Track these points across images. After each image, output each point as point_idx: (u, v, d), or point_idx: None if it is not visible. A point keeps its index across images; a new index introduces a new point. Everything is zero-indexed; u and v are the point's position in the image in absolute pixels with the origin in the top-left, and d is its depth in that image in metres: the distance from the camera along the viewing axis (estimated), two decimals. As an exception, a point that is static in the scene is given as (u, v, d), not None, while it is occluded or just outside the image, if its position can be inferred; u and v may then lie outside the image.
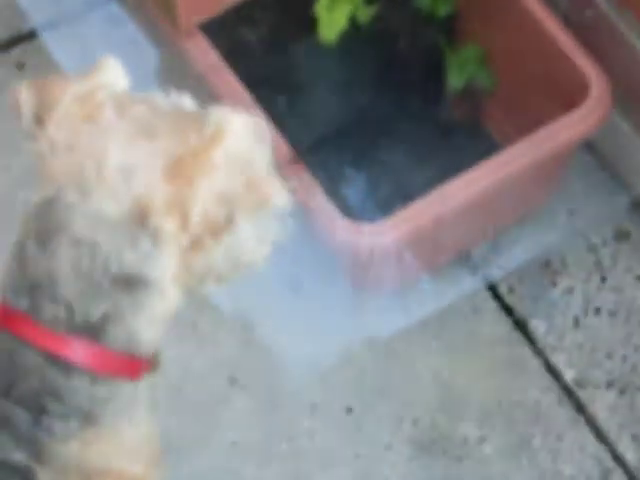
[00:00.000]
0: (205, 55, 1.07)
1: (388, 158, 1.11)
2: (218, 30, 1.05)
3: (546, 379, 1.06)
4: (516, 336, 1.10)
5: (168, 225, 0.73)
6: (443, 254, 1.11)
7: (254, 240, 0.77)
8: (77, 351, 0.77)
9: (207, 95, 1.12)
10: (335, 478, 1.04)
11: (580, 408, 1.03)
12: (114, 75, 0.76)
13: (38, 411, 0.81)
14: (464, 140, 1.17)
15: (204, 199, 0.72)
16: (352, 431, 1.05)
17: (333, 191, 1.01)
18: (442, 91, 1.11)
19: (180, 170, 0.73)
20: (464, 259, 1.13)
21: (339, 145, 1.09)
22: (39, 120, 0.76)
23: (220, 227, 0.73)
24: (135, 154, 0.74)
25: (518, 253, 1.13)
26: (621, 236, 1.10)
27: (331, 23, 0.97)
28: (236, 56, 1.05)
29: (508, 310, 1.12)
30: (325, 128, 1.09)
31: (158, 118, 0.75)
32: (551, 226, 1.15)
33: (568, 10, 1.04)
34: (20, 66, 1.23)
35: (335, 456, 1.04)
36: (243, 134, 0.75)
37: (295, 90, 1.10)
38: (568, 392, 1.04)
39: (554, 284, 1.09)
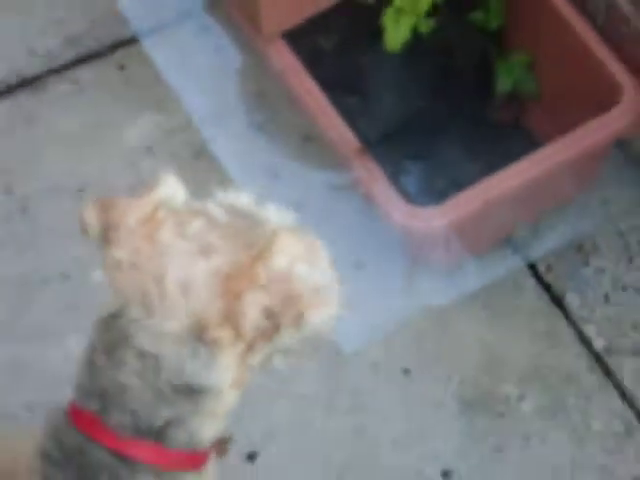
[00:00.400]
0: (285, 59, 1.18)
1: (443, 153, 1.22)
2: (297, 37, 1.16)
3: (578, 347, 1.18)
4: (552, 309, 1.22)
5: (224, 336, 0.77)
6: (489, 237, 1.22)
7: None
8: (141, 452, 0.83)
9: (285, 95, 1.25)
10: (392, 431, 1.15)
11: (608, 373, 1.15)
12: (173, 190, 0.81)
13: None
14: (510, 138, 1.26)
15: (251, 312, 0.75)
16: (408, 390, 1.18)
17: (395, 180, 1.12)
18: (491, 95, 1.20)
19: (230, 286, 0.77)
20: (508, 241, 1.22)
21: (401, 141, 1.20)
22: (105, 239, 0.81)
23: (269, 333, 0.77)
24: (192, 272, 0.78)
25: (555, 236, 1.24)
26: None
27: (396, 33, 1.08)
28: (312, 61, 1.16)
29: (546, 286, 1.23)
30: (389, 125, 1.20)
31: (214, 234, 0.78)
32: (585, 213, 1.25)
33: (605, 24, 1.15)
34: (121, 67, 1.37)
35: (393, 412, 1.17)
36: (290, 254, 0.78)
37: (363, 92, 1.20)
38: (598, 359, 1.16)
39: (587, 264, 1.21)
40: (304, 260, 0.79)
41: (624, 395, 1.13)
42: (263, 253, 0.75)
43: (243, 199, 0.81)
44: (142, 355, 0.80)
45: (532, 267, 1.27)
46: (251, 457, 1.17)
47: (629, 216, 1.24)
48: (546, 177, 1.17)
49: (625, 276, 1.22)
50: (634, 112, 1.18)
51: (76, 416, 0.85)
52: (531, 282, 1.27)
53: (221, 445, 0.89)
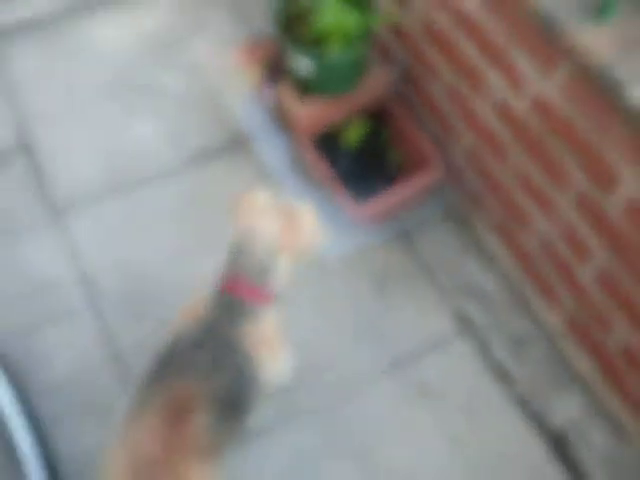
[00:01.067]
0: (308, 147, 2.48)
1: (368, 184, 2.48)
2: (320, 142, 2.51)
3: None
4: (419, 270, 2.67)
5: (285, 250, 1.77)
6: (383, 218, 2.51)
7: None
8: (251, 295, 1.74)
9: (312, 171, 2.53)
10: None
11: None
12: (263, 193, 1.78)
13: (237, 316, 1.76)
14: (392, 181, 2.50)
15: (299, 241, 1.75)
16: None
17: (349, 193, 2.37)
18: (387, 166, 2.58)
19: (290, 230, 1.75)
20: (390, 220, 2.54)
21: (351, 179, 2.48)
22: (236, 210, 1.78)
23: (299, 251, 1.77)
24: (272, 225, 1.75)
25: (403, 223, 2.53)
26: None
27: (349, 142, 2.57)
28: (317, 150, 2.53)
29: (412, 250, 2.67)
30: (348, 174, 2.47)
31: (280, 209, 1.75)
32: (416, 214, 2.67)
33: (431, 131, 2.62)
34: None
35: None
36: (310, 215, 1.78)
37: (337, 162, 2.48)
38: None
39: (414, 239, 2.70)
40: (315, 220, 1.79)
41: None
42: (299, 219, 1.76)
43: (293, 200, 1.81)
44: (251, 257, 1.75)
45: (401, 233, 2.52)
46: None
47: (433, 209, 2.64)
48: (403, 196, 2.43)
49: (439, 234, 2.64)
50: (438, 173, 2.44)
51: (224, 282, 1.77)
52: (400, 243, 2.53)
53: (277, 296, 1.82)
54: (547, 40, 1.85)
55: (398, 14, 2.38)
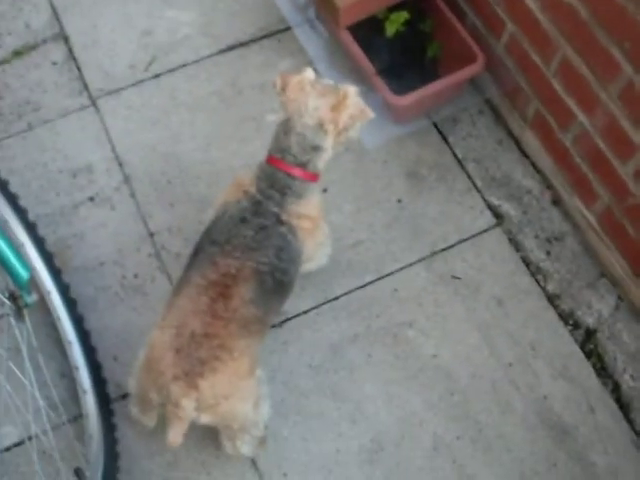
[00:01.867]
0: (346, 37, 2.44)
1: (406, 77, 2.47)
2: (352, 29, 2.43)
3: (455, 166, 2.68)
4: (447, 153, 2.61)
5: (330, 128, 1.77)
6: (421, 112, 2.54)
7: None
8: (297, 172, 1.79)
9: (350, 61, 2.52)
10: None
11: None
12: (310, 73, 1.81)
13: (283, 193, 1.81)
14: (432, 74, 2.49)
15: (343, 118, 1.77)
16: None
17: (388, 85, 2.35)
18: (425, 56, 2.58)
19: (335, 108, 1.77)
20: (427, 114, 2.55)
21: (390, 72, 2.44)
22: (283, 89, 1.80)
23: (347, 128, 1.79)
24: (319, 102, 1.77)
25: (445, 112, 2.54)
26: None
27: (390, 30, 2.47)
28: (356, 39, 2.44)
29: (444, 139, 2.58)
30: (386, 65, 2.45)
31: (326, 89, 1.79)
32: (456, 103, 2.55)
33: (471, 25, 2.61)
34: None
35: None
36: (354, 95, 1.79)
37: (377, 51, 2.43)
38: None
39: (459, 127, 2.68)
40: (358, 101, 1.80)
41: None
42: (346, 95, 1.77)
43: (333, 80, 1.87)
44: (298, 134, 1.77)
45: (436, 126, 2.53)
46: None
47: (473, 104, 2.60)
48: (444, 89, 2.41)
49: (475, 128, 2.54)
50: (481, 67, 2.40)
51: (271, 160, 1.83)
52: (436, 137, 2.54)
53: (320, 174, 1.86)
54: None
55: None
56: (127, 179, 2.47)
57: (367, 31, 2.48)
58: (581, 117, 2.19)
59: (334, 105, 1.78)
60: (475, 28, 2.49)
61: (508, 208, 2.42)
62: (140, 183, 2.46)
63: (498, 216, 2.41)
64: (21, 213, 2.12)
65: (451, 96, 2.53)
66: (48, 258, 2.14)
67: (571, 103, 2.21)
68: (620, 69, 1.96)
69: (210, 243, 1.81)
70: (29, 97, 2.61)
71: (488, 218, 2.41)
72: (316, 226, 1.91)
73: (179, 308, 1.74)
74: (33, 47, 2.70)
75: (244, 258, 1.76)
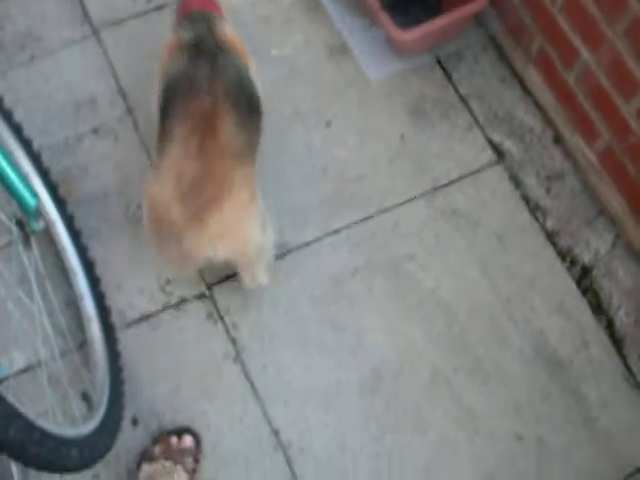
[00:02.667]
0: None
1: (411, 13, 2.49)
2: None
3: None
4: (445, 85, 2.56)
5: None
6: (426, 46, 2.55)
7: None
8: (210, 7, 2.00)
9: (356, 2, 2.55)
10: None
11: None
12: None
13: (206, 25, 1.92)
14: (437, 11, 2.47)
15: None
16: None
17: (392, 19, 2.33)
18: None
19: None
20: (432, 49, 2.56)
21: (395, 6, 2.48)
22: None
23: None
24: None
25: (450, 48, 2.53)
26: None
27: None
28: None
29: (447, 74, 2.60)
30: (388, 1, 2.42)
31: None
32: (461, 40, 2.57)
33: None
34: None
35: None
36: None
37: None
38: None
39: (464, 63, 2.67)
40: None
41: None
42: None
43: None
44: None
45: (439, 63, 2.51)
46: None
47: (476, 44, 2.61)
48: (448, 24, 2.40)
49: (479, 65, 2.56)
50: (485, 2, 2.38)
51: (181, 10, 1.97)
52: (440, 73, 2.54)
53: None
54: None
55: None
56: (130, 110, 2.47)
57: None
58: (585, 55, 2.19)
59: None
60: (481, -37, 2.45)
61: (510, 145, 2.44)
62: (143, 114, 2.45)
63: (499, 153, 2.43)
64: (25, 143, 2.12)
65: (455, 32, 2.53)
66: (53, 188, 2.16)
67: (576, 40, 2.21)
68: (627, 5, 1.96)
69: (179, 96, 1.84)
70: (31, 28, 2.60)
71: (489, 155, 2.43)
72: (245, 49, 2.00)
73: (171, 160, 1.78)
74: (34, -22, 2.65)
75: (212, 91, 1.80)
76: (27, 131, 2.15)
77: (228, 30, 1.94)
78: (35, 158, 2.16)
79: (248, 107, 1.87)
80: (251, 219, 1.84)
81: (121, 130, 2.44)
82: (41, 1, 2.64)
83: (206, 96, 1.78)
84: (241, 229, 1.82)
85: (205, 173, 1.74)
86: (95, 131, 2.46)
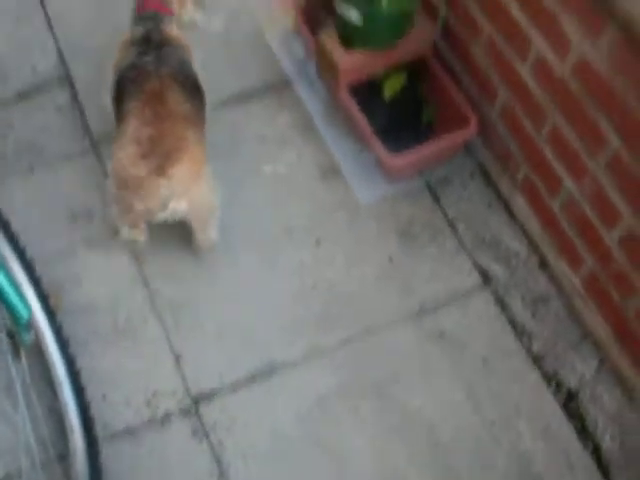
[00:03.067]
0: (345, 97, 2.53)
1: (402, 138, 2.52)
2: (352, 91, 2.54)
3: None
4: (435, 209, 2.66)
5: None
6: (414, 171, 2.61)
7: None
8: (160, 9, 2.30)
9: (348, 120, 2.61)
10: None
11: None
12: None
13: (155, 22, 2.33)
14: (425, 135, 2.52)
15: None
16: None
17: (384, 144, 2.39)
18: (421, 120, 2.66)
19: None
20: (420, 174, 2.60)
21: (387, 133, 2.51)
22: None
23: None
24: None
25: (439, 173, 2.61)
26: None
27: (387, 93, 2.60)
28: (355, 98, 2.53)
29: (436, 199, 2.60)
30: (383, 125, 2.48)
31: None
32: (450, 166, 2.63)
33: (467, 87, 2.70)
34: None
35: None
36: None
37: (375, 113, 2.46)
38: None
39: (456, 185, 2.74)
40: None
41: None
42: None
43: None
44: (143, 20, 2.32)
45: (428, 187, 2.57)
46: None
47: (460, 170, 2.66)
48: (438, 151, 2.48)
49: (466, 191, 2.63)
50: (474, 131, 2.45)
51: (138, 10, 2.32)
52: (428, 197, 2.58)
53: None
54: (595, 4, 1.88)
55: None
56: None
57: (366, 93, 2.56)
58: (569, 184, 2.26)
59: None
60: (470, 93, 2.57)
61: (496, 269, 2.48)
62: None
63: (486, 277, 2.46)
64: (20, 253, 2.15)
65: (444, 158, 2.60)
66: (43, 298, 2.18)
67: (560, 170, 2.28)
68: (608, 140, 2.04)
69: (130, 81, 2.18)
70: (32, 139, 2.67)
71: (476, 279, 2.46)
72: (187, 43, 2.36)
73: (131, 127, 2.10)
74: (38, 90, 2.77)
75: (159, 74, 2.16)
76: (22, 240, 2.22)
77: (173, 28, 2.30)
78: (28, 267, 2.20)
79: (190, 85, 2.23)
80: (205, 175, 2.15)
81: (115, 243, 2.46)
82: (44, 112, 2.72)
83: (154, 77, 2.14)
84: (198, 181, 2.11)
85: (161, 133, 2.05)
86: (89, 243, 2.48)
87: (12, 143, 2.66)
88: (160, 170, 2.02)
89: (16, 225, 2.33)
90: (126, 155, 2.06)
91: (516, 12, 2.22)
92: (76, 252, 2.46)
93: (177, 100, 2.13)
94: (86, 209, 2.54)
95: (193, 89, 2.24)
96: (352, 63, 2.39)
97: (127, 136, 2.08)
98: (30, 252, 2.23)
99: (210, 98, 2.61)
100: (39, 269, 2.27)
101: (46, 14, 2.95)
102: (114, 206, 2.22)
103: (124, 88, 2.18)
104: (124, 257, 2.46)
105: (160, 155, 2.03)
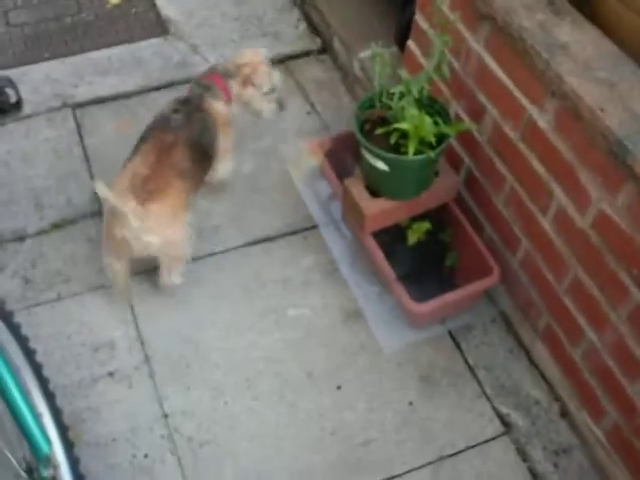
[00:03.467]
0: (370, 242, 2.57)
1: (425, 285, 2.60)
2: (375, 235, 2.58)
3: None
4: (457, 358, 2.69)
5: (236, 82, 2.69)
6: (436, 318, 2.64)
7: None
8: (216, 79, 2.71)
9: (372, 264, 2.67)
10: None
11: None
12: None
13: (205, 90, 2.69)
14: (450, 284, 2.65)
15: (245, 71, 2.68)
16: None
17: (406, 287, 2.50)
18: (444, 264, 2.74)
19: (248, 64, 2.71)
20: (443, 320, 2.64)
21: (409, 278, 2.58)
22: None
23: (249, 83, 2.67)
24: (244, 58, 2.73)
25: (453, 322, 2.63)
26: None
27: (411, 240, 2.66)
28: (379, 245, 2.58)
29: (457, 346, 2.62)
30: (407, 271, 2.57)
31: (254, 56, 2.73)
32: (472, 314, 2.64)
33: (487, 239, 2.76)
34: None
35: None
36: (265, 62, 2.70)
37: (397, 258, 2.55)
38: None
39: (473, 334, 2.74)
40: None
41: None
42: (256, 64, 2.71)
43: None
44: (227, 65, 2.78)
45: (450, 333, 2.61)
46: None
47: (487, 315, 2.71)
48: (461, 299, 2.52)
49: (487, 337, 2.72)
50: (497, 280, 2.52)
51: (202, 75, 2.74)
52: (449, 343, 2.62)
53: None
54: (615, 162, 1.95)
55: (471, 123, 2.50)
56: (147, 359, 2.53)
57: (390, 237, 2.62)
58: (591, 334, 2.27)
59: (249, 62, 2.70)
60: (492, 241, 2.62)
61: (516, 417, 2.46)
62: (159, 364, 2.52)
63: (506, 425, 2.45)
64: (43, 383, 2.16)
65: (467, 305, 2.64)
66: (63, 430, 2.16)
67: (581, 320, 2.30)
68: (629, 292, 2.07)
69: (153, 128, 2.53)
70: (61, 269, 2.74)
71: (496, 426, 2.44)
72: (225, 123, 2.69)
73: (133, 164, 2.42)
74: (72, 222, 2.88)
75: (178, 132, 2.50)
76: (45, 370, 2.20)
77: (219, 103, 2.64)
78: (50, 398, 2.18)
79: (200, 151, 2.56)
80: (182, 220, 2.45)
81: (136, 377, 2.49)
82: (74, 244, 2.82)
83: (173, 132, 2.48)
84: (174, 223, 2.41)
85: (154, 176, 2.36)
86: (111, 375, 2.50)
87: (42, 271, 2.73)
88: (142, 203, 2.30)
89: (40, 353, 2.33)
90: (119, 186, 2.35)
91: (537, 165, 2.29)
92: (97, 383, 2.48)
93: (181, 157, 2.45)
94: (109, 340, 2.58)
95: (202, 156, 2.57)
96: (378, 211, 2.45)
97: (126, 170, 2.41)
98: (53, 381, 2.22)
99: (236, 239, 2.70)
100: (60, 399, 2.25)
101: (84, 148, 3.09)
102: (103, 238, 2.47)
103: (147, 131, 2.52)
104: (146, 391, 2.47)
105: (146, 192, 2.32)
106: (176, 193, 2.40)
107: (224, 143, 2.69)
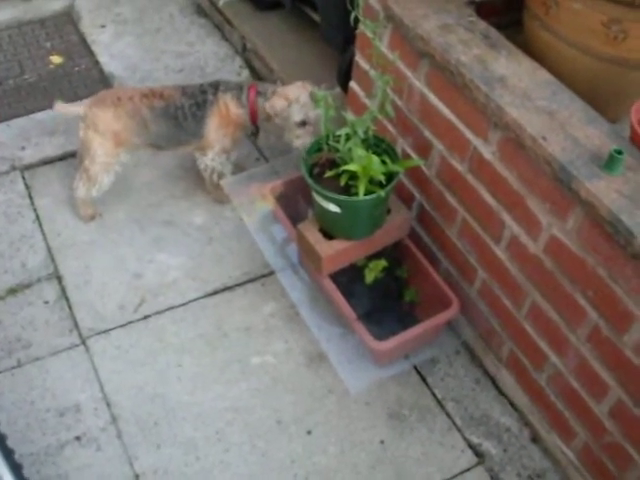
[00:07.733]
0: (328, 283, 2.59)
1: (385, 322, 2.64)
2: (333, 276, 2.60)
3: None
4: (424, 393, 2.66)
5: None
6: (399, 354, 2.65)
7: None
8: (251, 93, 2.91)
9: (331, 305, 2.73)
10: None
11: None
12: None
13: (220, 85, 2.88)
14: (410, 318, 2.70)
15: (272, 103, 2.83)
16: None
17: (368, 329, 2.51)
18: (402, 300, 2.75)
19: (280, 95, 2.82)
20: (406, 356, 2.64)
21: (369, 316, 2.60)
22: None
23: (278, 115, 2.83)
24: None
25: (423, 355, 2.62)
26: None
27: (370, 276, 2.72)
28: (337, 285, 2.61)
29: (423, 379, 2.66)
30: (365, 309, 2.59)
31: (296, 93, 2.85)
32: (431, 347, 2.74)
33: (446, 269, 2.76)
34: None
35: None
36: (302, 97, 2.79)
37: (357, 297, 2.60)
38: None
39: (439, 367, 2.76)
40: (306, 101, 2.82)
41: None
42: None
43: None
44: (266, 84, 2.98)
45: (415, 367, 2.60)
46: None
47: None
48: (422, 333, 2.51)
49: (453, 368, 2.68)
50: (456, 311, 2.52)
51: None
52: (415, 377, 2.63)
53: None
54: (561, 188, 2.00)
55: (418, 159, 2.54)
56: (114, 419, 2.50)
57: (348, 278, 2.64)
58: (553, 358, 2.30)
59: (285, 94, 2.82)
60: (449, 274, 2.65)
61: (488, 446, 2.47)
62: (127, 424, 2.49)
63: (479, 455, 2.46)
64: (8, 454, 2.12)
65: (429, 339, 2.65)
66: (32, 502, 2.11)
67: (543, 345, 2.32)
68: (586, 314, 2.10)
69: (164, 88, 2.90)
70: (20, 334, 2.71)
71: (469, 457, 2.45)
72: (230, 122, 2.87)
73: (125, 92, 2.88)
74: (27, 286, 2.85)
75: (177, 99, 2.82)
76: (10, 440, 2.17)
77: (231, 103, 2.85)
78: (16, 470, 2.13)
79: (175, 117, 2.84)
80: (110, 141, 2.86)
81: (104, 439, 2.46)
82: (32, 308, 2.78)
83: (174, 97, 2.83)
84: (101, 134, 2.83)
85: (120, 102, 2.83)
86: (78, 440, 2.47)
87: (0, 339, 2.69)
88: (93, 105, 2.83)
89: (3, 423, 2.30)
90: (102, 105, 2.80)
91: (486, 196, 2.33)
92: (64, 449, 2.44)
93: (154, 109, 2.80)
94: (74, 404, 2.54)
95: (176, 119, 2.83)
96: (333, 252, 2.46)
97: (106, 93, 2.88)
98: (18, 450, 2.18)
99: (195, 291, 2.70)
100: (26, 469, 2.24)
101: (35, 209, 3.10)
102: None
103: (167, 87, 2.89)
104: (115, 452, 2.43)
105: (102, 101, 2.83)
106: (127, 122, 2.77)
107: (215, 135, 2.89)
